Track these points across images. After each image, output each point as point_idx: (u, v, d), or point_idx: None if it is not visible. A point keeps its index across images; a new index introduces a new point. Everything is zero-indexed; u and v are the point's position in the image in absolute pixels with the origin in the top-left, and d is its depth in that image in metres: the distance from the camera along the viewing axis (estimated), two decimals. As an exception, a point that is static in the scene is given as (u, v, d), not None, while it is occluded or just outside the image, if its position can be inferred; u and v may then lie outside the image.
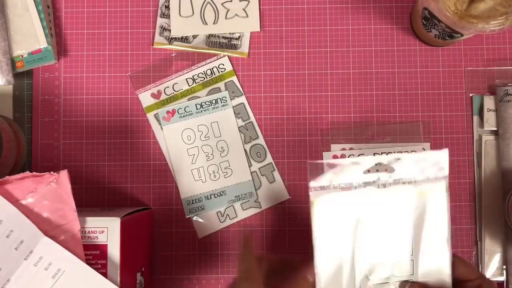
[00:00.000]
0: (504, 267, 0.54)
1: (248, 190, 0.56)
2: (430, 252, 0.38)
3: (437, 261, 0.38)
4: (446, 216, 0.37)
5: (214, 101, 0.56)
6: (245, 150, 0.56)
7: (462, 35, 0.50)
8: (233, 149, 0.56)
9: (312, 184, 0.36)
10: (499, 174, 0.55)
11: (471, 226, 0.55)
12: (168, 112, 0.56)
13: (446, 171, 0.37)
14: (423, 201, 0.37)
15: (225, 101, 0.56)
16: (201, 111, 0.56)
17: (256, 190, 0.56)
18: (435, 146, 0.56)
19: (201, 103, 0.56)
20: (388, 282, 0.38)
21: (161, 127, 0.56)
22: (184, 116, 0.56)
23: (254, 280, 0.42)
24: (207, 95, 0.56)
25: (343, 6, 0.57)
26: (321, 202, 0.37)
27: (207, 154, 0.56)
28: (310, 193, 0.36)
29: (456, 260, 0.39)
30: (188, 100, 0.56)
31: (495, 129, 0.55)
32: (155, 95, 0.56)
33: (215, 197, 0.56)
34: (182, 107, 0.56)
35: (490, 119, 0.55)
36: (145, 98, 0.56)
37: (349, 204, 0.37)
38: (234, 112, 0.56)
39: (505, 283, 0.54)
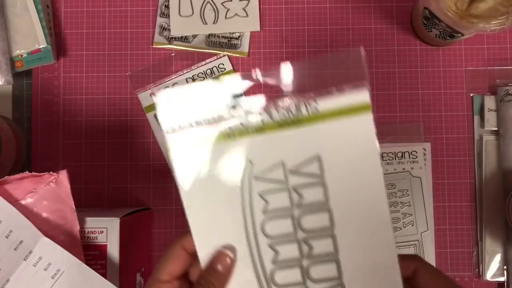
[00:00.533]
0: (505, 267, 0.54)
1: None
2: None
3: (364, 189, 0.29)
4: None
5: None
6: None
7: (462, 35, 0.49)
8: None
9: (164, 126, 0.28)
10: (499, 174, 0.54)
11: (472, 226, 0.55)
12: None
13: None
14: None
15: None
16: None
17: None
18: (435, 146, 0.56)
19: None
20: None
21: (161, 127, 0.56)
22: None
23: None
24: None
25: (343, 5, 0.57)
26: (178, 147, 0.29)
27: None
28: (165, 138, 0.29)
29: (420, 265, 0.31)
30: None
31: (496, 129, 0.55)
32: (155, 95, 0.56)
33: None
34: None
35: (491, 119, 0.55)
36: (145, 98, 0.56)
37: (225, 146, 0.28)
38: None
39: (505, 284, 0.54)
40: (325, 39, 0.57)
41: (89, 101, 0.57)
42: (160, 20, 0.57)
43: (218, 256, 0.31)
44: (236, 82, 0.28)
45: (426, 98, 0.56)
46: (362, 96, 0.28)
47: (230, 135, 0.29)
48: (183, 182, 0.30)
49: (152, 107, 0.56)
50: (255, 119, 0.28)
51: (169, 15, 0.56)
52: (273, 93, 0.28)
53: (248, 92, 0.29)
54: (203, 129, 0.29)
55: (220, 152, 0.29)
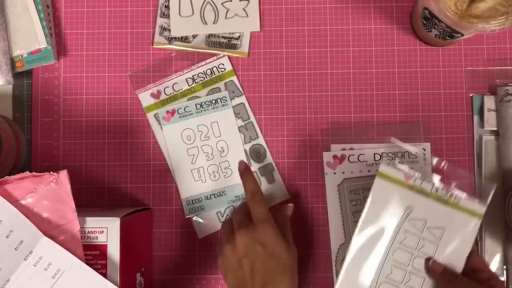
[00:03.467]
0: (505, 267, 0.54)
1: None
2: (453, 245, 0.48)
3: (457, 252, 0.48)
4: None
5: (214, 101, 0.56)
6: (245, 150, 0.56)
7: (462, 35, 0.49)
8: (233, 149, 0.56)
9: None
10: (499, 174, 0.54)
11: (471, 226, 0.55)
12: (168, 112, 0.56)
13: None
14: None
15: (225, 101, 0.56)
16: (201, 111, 0.56)
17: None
18: (435, 146, 0.56)
19: (201, 103, 0.56)
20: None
21: (161, 127, 0.56)
22: (184, 116, 0.56)
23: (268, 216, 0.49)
24: (207, 95, 0.56)
25: (343, 6, 0.57)
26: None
27: (207, 154, 0.56)
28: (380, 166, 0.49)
29: (473, 252, 0.48)
30: (188, 100, 0.56)
31: (496, 129, 0.55)
32: (155, 95, 0.56)
33: (215, 197, 0.56)
34: (182, 107, 0.56)
35: (490, 119, 0.55)
36: (145, 98, 0.56)
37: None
38: (234, 112, 0.56)
39: (505, 283, 0.54)
40: (325, 39, 0.57)
41: (89, 101, 0.57)
42: (160, 20, 0.57)
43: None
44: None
45: (425, 98, 0.56)
46: (483, 209, 0.48)
47: (412, 187, 0.48)
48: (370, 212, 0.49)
49: (152, 107, 0.56)
50: (429, 187, 0.48)
51: (169, 15, 0.57)
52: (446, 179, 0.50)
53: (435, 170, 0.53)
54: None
55: (401, 195, 0.48)
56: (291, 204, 0.53)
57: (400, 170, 0.48)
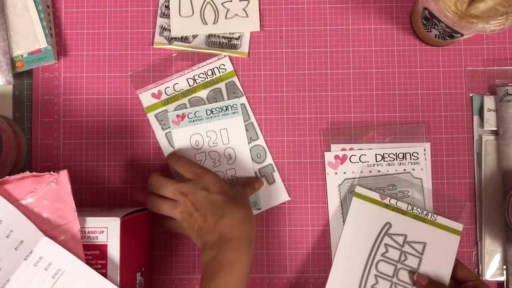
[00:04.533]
0: (504, 267, 0.54)
1: (253, 200, 0.56)
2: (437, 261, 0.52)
3: (441, 265, 0.52)
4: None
5: (225, 108, 0.56)
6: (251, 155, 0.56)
7: (462, 35, 0.50)
8: (241, 157, 0.56)
9: None
10: (499, 174, 0.55)
11: (471, 226, 0.55)
12: (178, 116, 0.56)
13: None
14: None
15: (235, 108, 0.56)
16: (211, 117, 0.56)
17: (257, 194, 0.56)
18: (435, 146, 0.56)
19: (211, 109, 0.56)
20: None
21: (162, 127, 0.56)
22: (194, 121, 0.56)
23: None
24: (207, 95, 0.56)
25: (343, 6, 0.57)
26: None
27: (214, 161, 0.56)
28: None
29: (458, 264, 0.52)
30: (189, 100, 0.56)
31: (495, 129, 0.55)
32: (156, 95, 0.56)
33: None
34: (192, 111, 0.56)
35: (490, 119, 0.55)
36: (146, 98, 0.56)
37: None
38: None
39: (505, 283, 0.54)
40: (325, 39, 0.57)
41: (89, 101, 0.57)
42: (160, 21, 0.57)
43: (258, 181, 0.56)
44: None
45: (425, 98, 0.56)
46: (460, 227, 0.53)
47: (388, 206, 0.54)
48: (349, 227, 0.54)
49: (152, 107, 0.56)
50: (404, 206, 0.54)
51: (169, 15, 0.57)
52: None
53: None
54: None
55: (379, 212, 0.54)
56: (262, 181, 0.55)
57: (375, 192, 0.54)
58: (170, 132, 0.56)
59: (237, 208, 0.48)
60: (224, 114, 0.56)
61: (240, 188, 0.53)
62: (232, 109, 0.56)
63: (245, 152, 0.56)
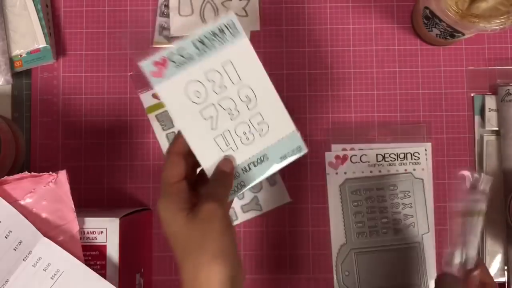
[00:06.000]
0: (506, 267, 0.54)
1: (295, 145, 0.42)
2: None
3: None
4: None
5: (219, 30, 0.39)
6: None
7: (463, 35, 0.49)
8: (263, 94, 0.41)
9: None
10: (500, 174, 0.54)
11: (473, 226, 0.55)
12: (156, 63, 0.38)
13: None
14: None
15: (233, 27, 0.39)
16: (205, 51, 0.39)
17: (257, 192, 0.55)
18: (436, 146, 0.56)
19: (200, 39, 0.38)
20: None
21: (162, 128, 0.56)
22: (181, 64, 0.38)
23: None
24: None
25: (343, 5, 0.57)
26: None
27: (229, 111, 0.40)
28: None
29: (482, 266, 0.45)
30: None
31: (497, 129, 0.55)
32: (157, 96, 0.56)
33: (255, 165, 0.41)
34: (176, 52, 0.38)
35: (491, 119, 0.55)
36: (147, 98, 0.56)
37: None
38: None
39: (506, 284, 0.54)
40: (325, 39, 0.57)
41: (89, 101, 0.57)
42: (160, 20, 0.57)
43: (224, 161, 0.40)
44: None
45: (426, 98, 0.56)
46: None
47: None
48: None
49: (153, 108, 0.56)
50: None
51: (169, 14, 0.56)
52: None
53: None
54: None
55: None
56: (230, 158, 0.40)
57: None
58: (171, 132, 0.56)
59: (192, 258, 0.36)
60: (221, 41, 0.39)
61: (203, 211, 0.37)
62: (229, 30, 0.39)
63: (267, 86, 0.41)
